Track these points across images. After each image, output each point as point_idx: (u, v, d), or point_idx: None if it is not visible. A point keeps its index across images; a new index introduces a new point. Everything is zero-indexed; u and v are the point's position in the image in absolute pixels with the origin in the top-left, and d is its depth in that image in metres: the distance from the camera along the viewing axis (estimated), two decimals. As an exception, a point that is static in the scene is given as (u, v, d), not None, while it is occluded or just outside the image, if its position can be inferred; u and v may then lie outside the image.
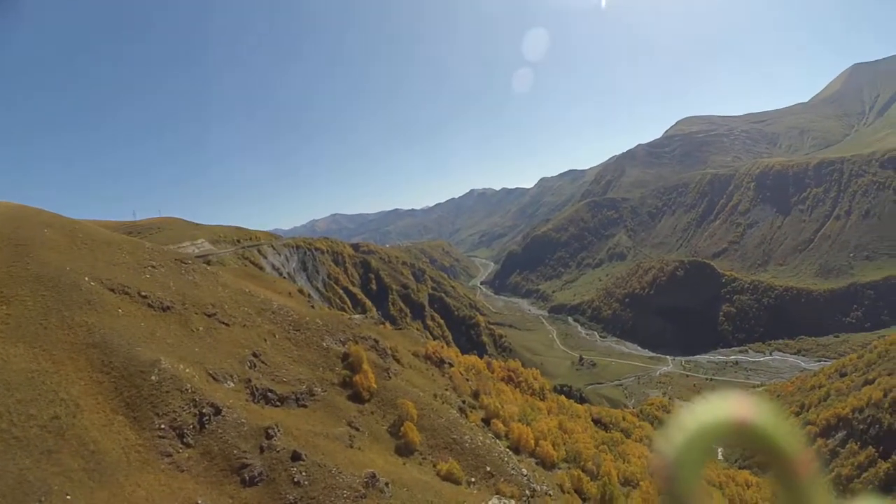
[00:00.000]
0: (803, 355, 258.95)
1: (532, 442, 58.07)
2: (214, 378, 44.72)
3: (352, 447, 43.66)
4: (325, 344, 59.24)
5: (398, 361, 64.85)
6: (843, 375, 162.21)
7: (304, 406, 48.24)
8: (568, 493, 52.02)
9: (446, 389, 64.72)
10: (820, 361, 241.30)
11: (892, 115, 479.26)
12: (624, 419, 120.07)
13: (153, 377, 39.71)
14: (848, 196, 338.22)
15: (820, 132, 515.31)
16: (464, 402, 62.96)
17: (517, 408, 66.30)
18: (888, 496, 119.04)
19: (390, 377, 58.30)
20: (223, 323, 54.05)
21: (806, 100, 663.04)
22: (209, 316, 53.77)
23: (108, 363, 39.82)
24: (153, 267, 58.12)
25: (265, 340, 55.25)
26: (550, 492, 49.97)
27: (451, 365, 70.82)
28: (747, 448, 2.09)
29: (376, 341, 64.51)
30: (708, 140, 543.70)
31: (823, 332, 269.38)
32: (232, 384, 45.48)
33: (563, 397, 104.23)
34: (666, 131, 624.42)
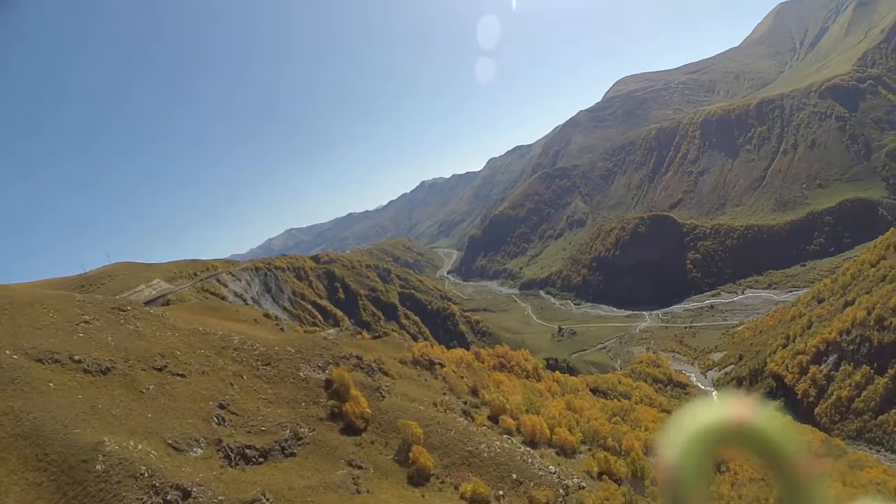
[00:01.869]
0: (774, 289, 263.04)
1: (547, 431, 53.94)
2: (176, 448, 37.19)
3: (359, 492, 38.01)
4: (302, 374, 51.98)
5: (387, 374, 59.27)
6: (820, 301, 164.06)
7: (293, 455, 41.44)
8: (599, 478, 48.54)
9: (444, 393, 59.88)
10: (791, 292, 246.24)
11: (822, 47, 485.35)
12: (620, 382, 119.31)
13: (98, 466, 32.24)
14: (792, 130, 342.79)
15: (755, 73, 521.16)
16: (465, 402, 58.72)
17: (520, 396, 62.99)
18: (891, 411, 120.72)
19: (383, 396, 52.26)
20: (178, 375, 45.67)
21: (737, 44, 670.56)
22: (159, 370, 45.32)
23: (43, 457, 32.64)
24: (86, 322, 49.47)
25: (232, 385, 47.26)
26: (583, 483, 46.45)
27: (441, 365, 66.31)
28: (747, 449, 2.06)
29: (359, 358, 58.03)
30: (647, 97, 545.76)
31: (790, 263, 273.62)
32: (199, 451, 38.04)
33: (557, 373, 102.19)
34: (605, 94, 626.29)
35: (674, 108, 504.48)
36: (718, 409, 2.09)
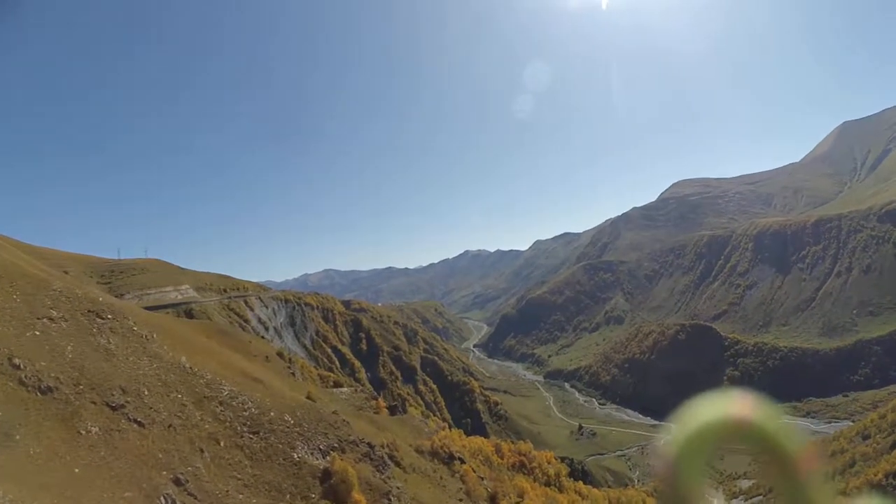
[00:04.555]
0: (813, 417, 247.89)
1: None
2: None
3: None
4: (296, 455, 40.54)
5: (399, 465, 49.83)
6: (865, 438, 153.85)
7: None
8: None
9: (460, 500, 51.08)
10: (831, 423, 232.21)
11: (883, 169, 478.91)
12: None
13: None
14: (847, 252, 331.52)
15: (813, 190, 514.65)
16: None
17: None
18: None
19: None
20: (135, 421, 34.44)
21: (798, 159, 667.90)
22: (114, 408, 34.15)
23: None
24: (49, 320, 39.12)
25: (201, 453, 35.89)
26: None
27: (462, 461, 58.49)
28: (748, 447, 2.08)
29: (370, 446, 46.77)
30: (703, 202, 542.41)
31: (831, 392, 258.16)
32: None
33: (581, 484, 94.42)
34: (661, 194, 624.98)
35: (728, 216, 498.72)
36: (719, 407, 2.11)
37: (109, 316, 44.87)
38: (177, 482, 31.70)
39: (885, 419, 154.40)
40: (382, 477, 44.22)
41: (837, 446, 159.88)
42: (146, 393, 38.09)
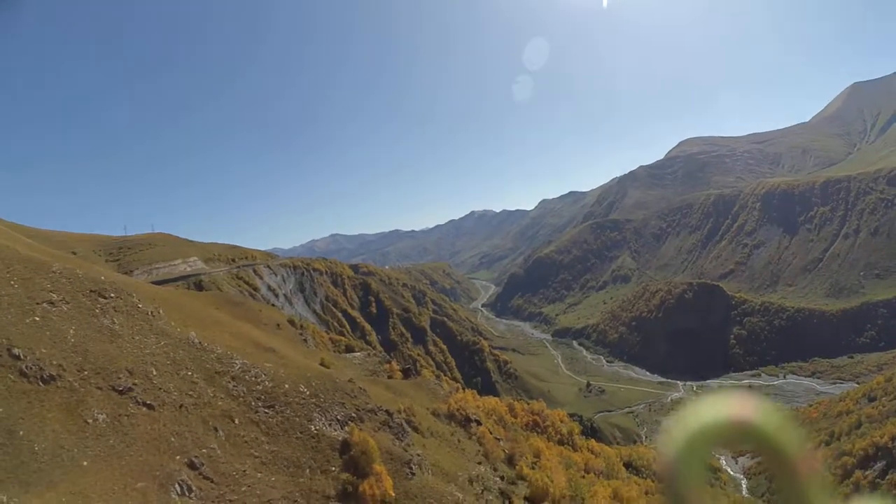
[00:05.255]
0: (818, 378, 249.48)
1: None
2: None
3: None
4: (314, 427, 39.07)
5: (416, 430, 48.69)
6: (871, 400, 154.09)
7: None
8: None
9: (478, 462, 49.74)
10: (836, 384, 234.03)
11: (894, 132, 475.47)
12: (655, 461, 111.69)
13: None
14: (856, 214, 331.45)
15: (822, 151, 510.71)
16: (502, 476, 49.44)
17: (564, 476, 55.68)
18: None
19: (413, 474, 39.99)
20: (144, 404, 33.06)
21: (807, 119, 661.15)
22: (121, 392, 32.71)
23: None
24: (50, 304, 37.16)
25: (215, 432, 34.60)
26: None
27: (478, 423, 58.02)
28: (748, 447, 2.25)
29: (389, 414, 45.74)
30: (710, 161, 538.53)
31: (837, 353, 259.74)
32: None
33: (593, 442, 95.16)
34: (668, 152, 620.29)
35: (735, 175, 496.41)
36: (720, 406, 2.11)
37: (112, 294, 42.89)
38: (191, 466, 30.82)
39: (892, 382, 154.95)
40: (402, 445, 43.16)
41: (843, 407, 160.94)
42: (154, 373, 36.55)
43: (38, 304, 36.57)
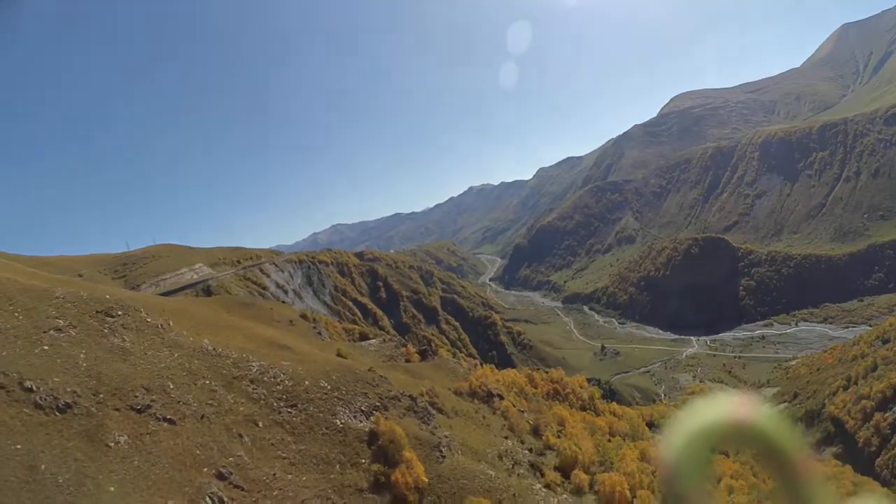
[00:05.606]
0: (830, 323, 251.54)
1: (628, 493, 43.61)
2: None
3: None
4: (339, 422, 39.12)
5: (441, 411, 48.54)
6: (885, 342, 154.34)
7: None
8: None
9: (505, 436, 50.20)
10: (848, 328, 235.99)
11: (886, 71, 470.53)
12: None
13: None
14: (855, 156, 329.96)
15: (816, 96, 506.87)
16: (530, 449, 49.45)
17: (591, 442, 55.84)
18: None
19: (444, 456, 39.72)
20: (165, 420, 32.58)
21: (798, 65, 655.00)
22: (139, 411, 32.19)
23: None
24: (57, 330, 36.35)
25: (240, 439, 34.41)
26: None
27: (500, 397, 58.50)
28: (747, 448, 2.07)
29: (412, 399, 45.65)
30: (705, 114, 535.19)
31: (847, 297, 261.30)
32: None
33: (614, 405, 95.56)
34: (661, 109, 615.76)
35: (731, 127, 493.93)
36: (719, 407, 2.10)
37: (120, 312, 42.09)
38: (220, 477, 30.54)
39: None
40: (429, 428, 43.22)
41: (858, 351, 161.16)
42: (171, 386, 35.97)
43: (44, 332, 35.84)
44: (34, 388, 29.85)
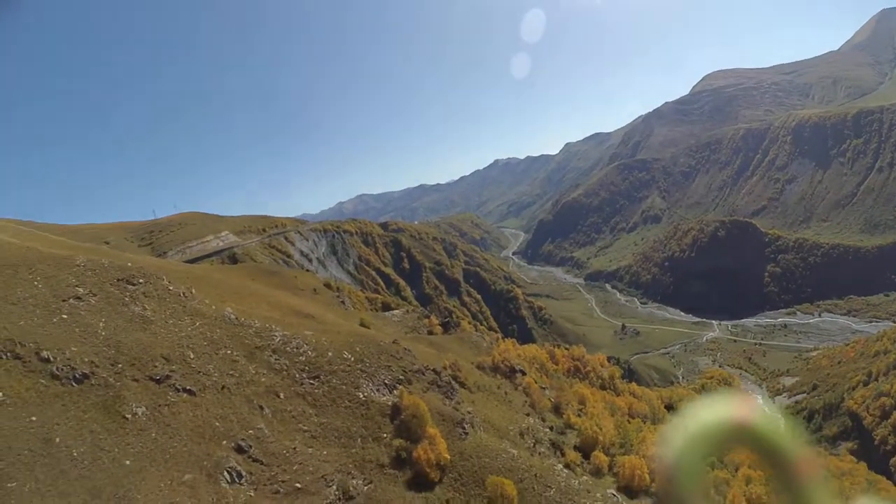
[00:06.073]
0: (854, 316, 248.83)
1: (647, 477, 42.82)
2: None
3: None
4: (361, 395, 37.84)
5: (463, 385, 47.13)
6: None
7: (338, 528, 28.95)
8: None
9: (527, 414, 49.20)
10: (872, 322, 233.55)
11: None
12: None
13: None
14: (890, 147, 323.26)
15: (853, 81, 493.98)
16: (551, 427, 49.08)
17: (611, 423, 55.09)
18: None
19: (466, 433, 38.42)
20: (184, 391, 31.70)
21: (836, 48, 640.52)
22: (159, 381, 31.29)
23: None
24: (77, 298, 35.53)
25: (261, 410, 33.56)
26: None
27: (523, 373, 57.85)
28: (748, 449, 2.08)
29: (436, 373, 44.36)
30: (738, 94, 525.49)
31: (873, 290, 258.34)
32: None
33: (634, 385, 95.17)
34: (693, 87, 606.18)
35: (764, 108, 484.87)
36: (719, 408, 2.11)
37: (141, 280, 40.89)
38: (239, 450, 29.74)
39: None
40: (452, 404, 41.95)
41: (881, 346, 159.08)
42: (192, 356, 34.83)
43: (64, 301, 34.94)
44: (51, 357, 29.24)
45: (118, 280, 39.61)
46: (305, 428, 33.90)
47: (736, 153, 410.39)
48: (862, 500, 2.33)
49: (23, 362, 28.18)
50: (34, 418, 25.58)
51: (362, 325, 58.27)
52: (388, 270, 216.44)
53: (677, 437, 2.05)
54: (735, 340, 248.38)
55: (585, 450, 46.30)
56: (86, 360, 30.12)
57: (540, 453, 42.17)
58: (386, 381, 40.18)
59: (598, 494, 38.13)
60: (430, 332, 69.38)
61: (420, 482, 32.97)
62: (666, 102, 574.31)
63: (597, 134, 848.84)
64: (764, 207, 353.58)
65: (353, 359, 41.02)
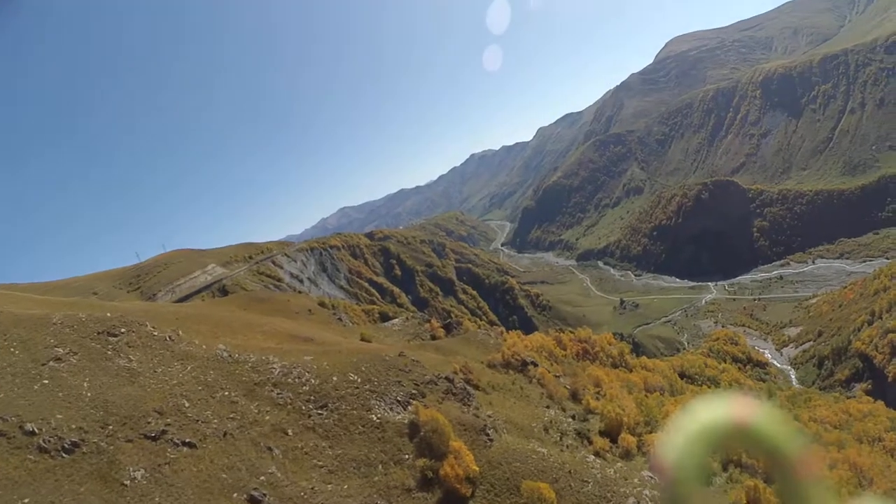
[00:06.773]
0: (847, 258, 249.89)
1: None
2: None
3: None
4: (374, 417, 35.72)
5: (478, 388, 45.28)
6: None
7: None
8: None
9: (546, 406, 47.26)
10: (865, 262, 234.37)
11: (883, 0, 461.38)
12: (706, 366, 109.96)
13: None
14: (858, 87, 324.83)
15: (814, 28, 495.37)
16: (573, 416, 47.10)
17: (632, 402, 53.64)
18: None
19: (491, 440, 36.32)
20: (184, 444, 29.60)
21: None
22: (154, 439, 29.24)
23: None
24: (57, 360, 33.39)
25: (270, 452, 31.25)
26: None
27: (534, 365, 55.91)
28: (748, 448, 2.08)
29: (449, 380, 42.11)
30: (702, 56, 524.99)
31: (862, 231, 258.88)
32: None
33: (645, 358, 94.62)
34: (657, 55, 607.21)
35: (730, 67, 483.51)
36: (719, 408, 2.09)
37: (123, 330, 38.99)
38: (252, 501, 27.81)
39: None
40: (471, 410, 39.93)
41: (879, 284, 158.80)
42: (187, 405, 32.98)
43: (43, 365, 32.92)
44: (36, 430, 27.29)
45: (98, 333, 37.62)
46: (321, 463, 31.88)
47: (708, 115, 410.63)
48: (862, 499, 2.27)
49: (7, 438, 26.31)
50: (27, 500, 23.66)
51: (363, 339, 57.43)
52: (381, 279, 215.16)
53: (678, 437, 2.04)
54: (734, 299, 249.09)
55: (611, 434, 44.52)
56: (73, 426, 28.33)
57: (568, 446, 40.33)
58: (398, 398, 38.16)
59: (634, 480, 36.46)
60: (434, 337, 67.80)
61: (451, 500, 31.11)
62: (632, 74, 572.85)
63: (568, 115, 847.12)
64: (743, 164, 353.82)
65: (359, 380, 38.91)
